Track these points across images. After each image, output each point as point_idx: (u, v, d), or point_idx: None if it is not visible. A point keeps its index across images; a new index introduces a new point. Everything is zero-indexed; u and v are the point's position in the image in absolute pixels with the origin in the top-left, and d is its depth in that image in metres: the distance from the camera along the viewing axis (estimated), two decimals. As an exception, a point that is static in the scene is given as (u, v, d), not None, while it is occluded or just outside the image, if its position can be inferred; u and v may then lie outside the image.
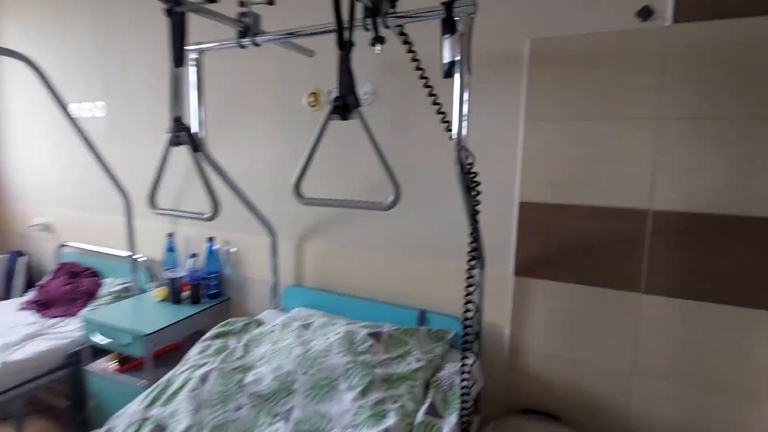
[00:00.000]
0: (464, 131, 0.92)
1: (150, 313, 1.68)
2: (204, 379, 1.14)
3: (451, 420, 1.03)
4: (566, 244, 1.27)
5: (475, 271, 1.00)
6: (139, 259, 2.03)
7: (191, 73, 1.24)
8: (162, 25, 1.41)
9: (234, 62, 1.74)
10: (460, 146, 0.92)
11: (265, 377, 1.15)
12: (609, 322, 1.25)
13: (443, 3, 0.88)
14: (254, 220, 1.67)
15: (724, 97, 1.07)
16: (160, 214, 1.13)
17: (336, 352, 1.19)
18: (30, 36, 2.33)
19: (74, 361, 1.73)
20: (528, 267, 1.33)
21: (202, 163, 1.07)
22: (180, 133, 1.00)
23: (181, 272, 1.81)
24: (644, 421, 1.24)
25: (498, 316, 1.41)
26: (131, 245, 1.95)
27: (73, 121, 1.64)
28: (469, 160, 0.96)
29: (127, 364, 1.64)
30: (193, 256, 1.80)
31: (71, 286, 2.05)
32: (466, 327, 0.99)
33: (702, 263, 1.13)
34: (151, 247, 2.06)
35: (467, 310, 0.99)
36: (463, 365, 1.02)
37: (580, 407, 1.32)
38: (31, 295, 2.10)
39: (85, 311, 1.91)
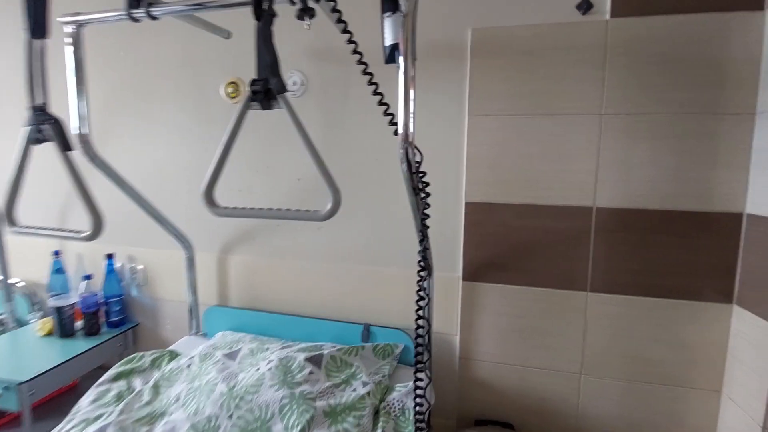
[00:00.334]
0: (411, 126, 0.80)
1: (30, 353, 1.35)
2: (96, 439, 0.90)
3: (404, 451, 0.91)
4: (514, 245, 1.22)
5: (426, 283, 0.89)
6: (15, 285, 1.64)
7: (67, 52, 0.97)
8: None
9: (131, 41, 1.46)
10: (407, 142, 0.80)
11: (179, 426, 0.93)
12: (558, 324, 1.22)
13: (383, -27, 0.75)
14: (165, 231, 1.41)
15: (660, 92, 1.08)
16: (21, 233, 0.86)
17: (269, 386, 1.01)
18: None
19: None
20: (476, 271, 1.26)
21: (76, 166, 0.83)
22: (42, 126, 0.75)
23: (71, 298, 1.48)
24: (593, 420, 1.23)
25: (447, 325, 1.32)
26: (3, 267, 1.57)
27: None
28: (417, 159, 0.84)
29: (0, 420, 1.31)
30: (88, 277, 1.49)
31: None
32: (417, 347, 0.87)
33: (641, 259, 1.13)
34: (32, 269, 1.69)
35: (419, 327, 0.87)
36: (417, 389, 0.91)
37: (532, 412, 1.28)
38: None
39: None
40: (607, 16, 1.09)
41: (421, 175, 0.85)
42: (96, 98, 1.51)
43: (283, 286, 1.45)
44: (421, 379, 0.90)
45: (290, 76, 1.35)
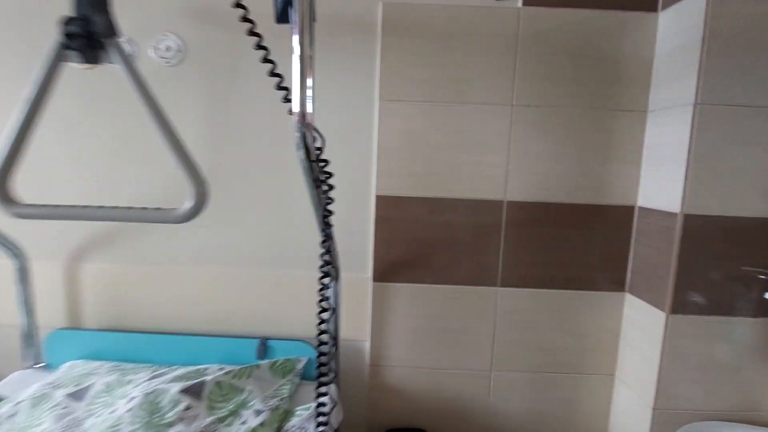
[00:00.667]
0: (310, 104, 0.64)
1: None
2: None
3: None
4: (426, 242, 1.14)
5: (329, 292, 0.75)
6: None
7: None
8: None
9: None
10: (305, 124, 0.64)
11: None
12: (469, 321, 1.17)
13: None
14: (-22, 234, 1.05)
15: (566, 86, 1.07)
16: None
17: (128, 433, 0.78)
18: None
19: None
20: (387, 270, 1.15)
21: None
22: None
23: None
24: (503, 415, 1.22)
25: (357, 330, 1.20)
26: None
27: None
28: (318, 144, 0.69)
29: None
30: None
31: None
32: (321, 366, 0.73)
33: (547, 252, 1.14)
34: None
35: (321, 343, 0.73)
36: (319, 415, 0.76)
37: (444, 415, 1.22)
38: None
39: None
40: (519, 4, 1.05)
41: (322, 164, 0.70)
42: None
43: (156, 299, 1.18)
44: (324, 404, 0.76)
45: (162, 40, 1.09)
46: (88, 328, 1.19)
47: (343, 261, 1.15)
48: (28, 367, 1.15)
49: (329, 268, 0.71)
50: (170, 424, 0.81)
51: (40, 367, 1.15)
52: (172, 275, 1.17)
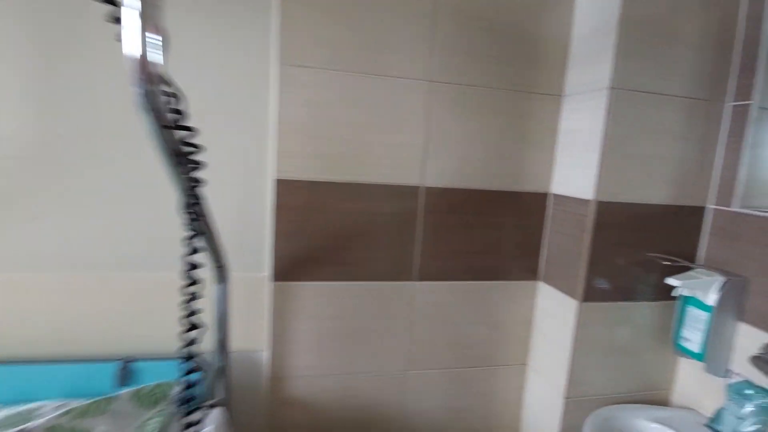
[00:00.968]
0: (158, 47, 0.43)
1: None
2: None
3: None
4: (336, 233, 0.99)
5: (196, 304, 0.56)
6: None
7: None
8: None
9: None
10: (147, 75, 0.43)
11: None
12: (384, 320, 1.06)
13: None
14: None
15: (485, 64, 1.00)
16: None
17: None
18: None
19: None
20: (290, 268, 0.98)
21: None
22: None
23: None
24: (419, 416, 1.13)
25: (252, 339, 1.01)
26: None
27: None
28: (175, 105, 0.49)
29: None
30: None
31: None
32: (188, 387, 0.55)
33: (464, 242, 1.06)
34: None
35: (190, 370, 0.54)
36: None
37: (358, 424, 1.10)
38: None
39: None
40: (438, -35, 0.94)
41: (185, 133, 0.51)
42: None
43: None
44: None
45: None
46: None
47: (233, 258, 0.95)
48: None
49: (196, 272, 0.53)
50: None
51: None
52: (-12, 284, 0.86)
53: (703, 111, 0.94)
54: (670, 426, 0.91)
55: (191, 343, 0.54)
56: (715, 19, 0.91)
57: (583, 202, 0.95)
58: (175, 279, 0.92)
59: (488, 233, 1.07)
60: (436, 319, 1.09)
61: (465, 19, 0.96)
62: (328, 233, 0.98)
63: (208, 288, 0.78)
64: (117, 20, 0.40)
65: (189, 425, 0.57)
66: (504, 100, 1.02)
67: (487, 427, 1.19)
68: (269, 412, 1.03)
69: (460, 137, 1.01)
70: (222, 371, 0.91)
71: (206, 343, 0.73)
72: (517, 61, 1.01)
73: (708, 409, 0.95)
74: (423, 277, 1.06)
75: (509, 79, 1.01)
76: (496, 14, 0.98)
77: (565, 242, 1.02)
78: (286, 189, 0.94)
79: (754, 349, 0.86)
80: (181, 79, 0.56)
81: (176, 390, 0.87)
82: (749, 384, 0.87)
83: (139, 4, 0.39)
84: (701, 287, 0.91)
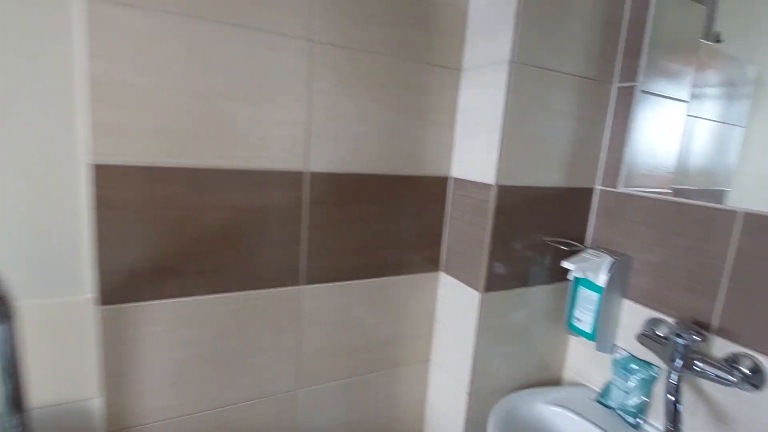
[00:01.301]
0: None
1: None
2: None
3: None
4: (193, 235, 0.76)
5: None
6: None
7: None
8: None
9: None
10: None
11: None
12: (267, 336, 0.87)
13: None
14: None
15: (379, 26, 0.84)
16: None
17: None
18: None
19: None
20: (125, 285, 0.72)
21: None
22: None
23: None
24: (314, 439, 0.98)
25: (77, 386, 0.73)
26: None
27: None
28: None
29: None
30: None
31: None
32: None
33: (359, 236, 0.92)
34: None
35: None
36: None
37: (238, 465, 0.90)
38: None
39: None
40: None
41: None
42: None
43: None
44: None
45: None
46: None
47: (32, 280, 0.66)
48: None
49: None
50: None
51: None
52: None
53: (593, 91, 0.92)
54: (566, 407, 0.91)
55: None
56: (603, -4, 0.89)
57: (485, 186, 0.88)
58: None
59: (385, 224, 0.94)
60: (329, 326, 0.94)
61: (351, -34, 0.79)
62: (181, 236, 0.74)
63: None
64: None
65: None
66: (399, 71, 0.88)
67: (391, 434, 1.09)
68: (110, 477, 0.77)
69: (351, 113, 0.85)
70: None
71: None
72: (412, 27, 0.87)
73: (597, 383, 0.98)
74: (312, 280, 0.89)
75: (405, 48, 0.87)
76: (387, -35, 0.82)
77: (467, 230, 0.94)
78: (110, 178, 0.67)
79: (638, 324, 0.89)
80: None
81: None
82: (633, 359, 0.90)
83: None
84: (592, 269, 0.91)
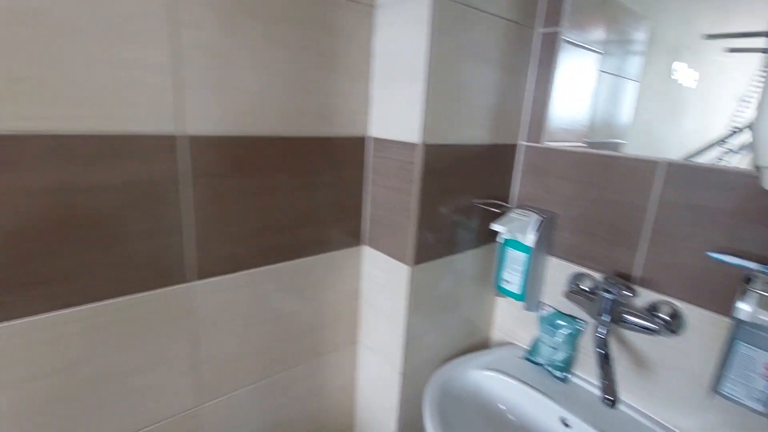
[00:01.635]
0: None
1: None
2: None
3: None
4: (23, 231, 0.52)
5: None
6: None
7: None
8: None
9: None
10: None
11: None
12: (148, 350, 0.67)
13: None
14: None
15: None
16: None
17: None
18: None
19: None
20: None
21: None
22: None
23: None
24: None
25: None
26: None
27: None
28: None
29: None
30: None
31: None
32: None
33: (262, 213, 0.75)
34: None
35: None
36: None
37: None
38: None
39: None
40: None
41: None
42: None
43: None
44: None
45: None
46: None
47: None
48: None
49: None
50: None
51: None
52: None
53: (516, 36, 0.84)
54: (497, 369, 0.88)
55: None
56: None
57: (410, 146, 0.76)
58: None
59: (294, 197, 0.78)
60: (233, 325, 0.77)
61: None
62: (10, 231, 0.50)
63: None
64: None
65: None
66: (298, 3, 0.69)
67: (318, 428, 0.98)
68: None
69: (238, 56, 0.65)
70: None
71: None
72: (309, -59, 0.68)
73: (525, 341, 0.97)
74: (205, 274, 0.70)
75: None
76: None
77: (391, 197, 0.83)
78: None
79: (563, 280, 0.88)
80: None
81: None
82: (559, 314, 0.90)
83: None
84: (520, 229, 0.87)
